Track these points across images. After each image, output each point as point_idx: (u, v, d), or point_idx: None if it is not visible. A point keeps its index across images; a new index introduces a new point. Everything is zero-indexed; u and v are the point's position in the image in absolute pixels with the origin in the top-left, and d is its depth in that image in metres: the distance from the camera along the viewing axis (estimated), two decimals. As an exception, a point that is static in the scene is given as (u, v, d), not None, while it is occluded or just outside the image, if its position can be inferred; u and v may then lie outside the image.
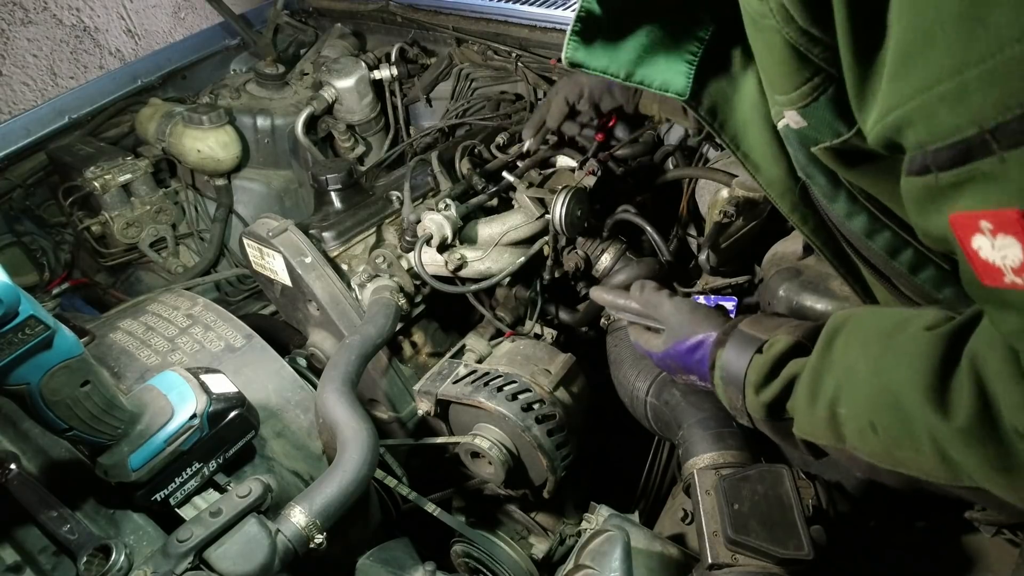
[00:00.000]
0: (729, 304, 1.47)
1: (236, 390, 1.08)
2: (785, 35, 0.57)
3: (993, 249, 0.47)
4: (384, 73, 2.28)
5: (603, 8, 0.72)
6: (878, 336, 0.70)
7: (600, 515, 1.34)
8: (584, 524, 1.33)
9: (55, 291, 2.15)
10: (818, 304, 1.40)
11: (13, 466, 0.96)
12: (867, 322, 0.74)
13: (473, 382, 1.27)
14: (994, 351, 0.56)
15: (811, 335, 0.84)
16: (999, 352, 0.55)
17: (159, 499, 0.99)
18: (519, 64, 2.06)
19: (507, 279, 1.52)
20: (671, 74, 0.78)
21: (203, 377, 1.05)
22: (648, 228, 1.54)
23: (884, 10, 0.48)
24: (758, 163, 0.87)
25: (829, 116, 0.62)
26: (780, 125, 0.71)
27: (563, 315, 1.72)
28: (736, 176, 1.46)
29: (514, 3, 2.13)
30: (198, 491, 1.04)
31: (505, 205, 1.63)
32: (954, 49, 0.43)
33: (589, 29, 0.75)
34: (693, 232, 1.74)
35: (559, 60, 2.00)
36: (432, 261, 1.49)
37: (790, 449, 0.90)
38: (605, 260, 1.59)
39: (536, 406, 1.24)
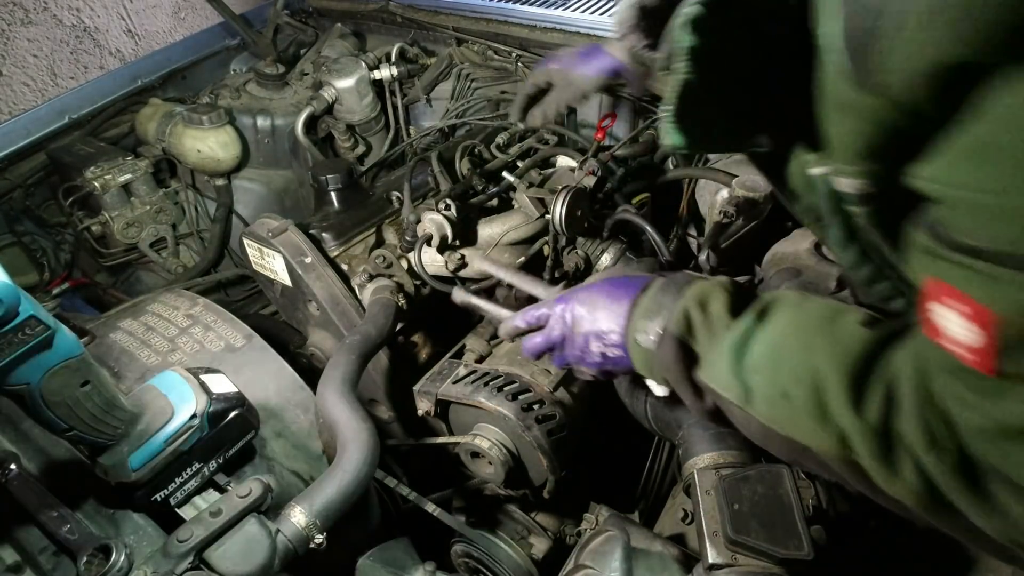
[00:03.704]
0: (729, 304, 1.46)
1: (236, 390, 1.08)
2: (882, 117, 0.58)
3: (956, 326, 0.55)
4: (384, 73, 2.28)
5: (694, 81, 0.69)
6: (816, 320, 0.76)
7: (600, 515, 1.34)
8: (584, 524, 1.33)
9: (55, 291, 2.15)
10: (818, 304, 1.40)
11: (13, 466, 0.96)
12: (805, 306, 0.79)
13: (473, 382, 1.27)
14: (906, 374, 0.65)
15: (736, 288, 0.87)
16: (911, 374, 0.64)
17: (159, 499, 0.98)
18: (519, 64, 2.07)
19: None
20: (749, 136, 0.81)
21: (203, 377, 1.05)
22: (648, 228, 1.54)
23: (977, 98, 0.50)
24: (796, 194, 0.90)
25: (887, 179, 0.63)
26: (816, 172, 0.74)
27: (563, 315, 1.72)
28: (736, 176, 1.46)
29: (514, 3, 2.13)
30: (198, 491, 1.03)
31: (505, 205, 1.63)
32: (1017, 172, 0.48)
33: (683, 104, 0.71)
34: (693, 232, 1.74)
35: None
36: (432, 261, 1.49)
37: (676, 378, 0.87)
38: (605, 260, 1.59)
39: (536, 406, 1.23)
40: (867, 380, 0.68)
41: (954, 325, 0.55)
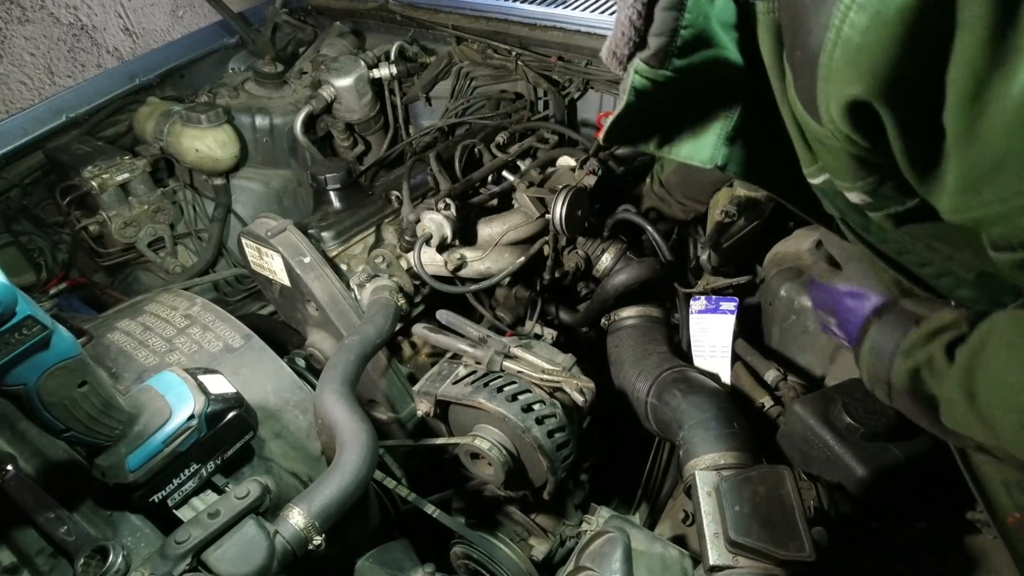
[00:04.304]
0: (730, 304, 1.46)
1: (234, 391, 1.07)
2: (849, 150, 0.67)
3: None
4: (383, 72, 2.27)
5: (639, 103, 0.82)
6: None
7: (600, 516, 1.34)
8: (584, 525, 1.33)
9: (52, 291, 2.14)
10: (819, 304, 1.40)
11: (10, 467, 0.95)
12: (1017, 326, 0.80)
13: (473, 383, 1.26)
14: None
15: (973, 322, 0.88)
16: None
17: (157, 500, 0.98)
18: (519, 63, 2.06)
19: (507, 279, 1.52)
20: (697, 147, 0.89)
21: (201, 378, 1.05)
22: (649, 228, 1.53)
23: (938, 147, 0.59)
24: (795, 205, 0.98)
25: (894, 195, 0.71)
26: (816, 182, 0.82)
27: (563, 315, 1.72)
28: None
29: (514, 1, 2.13)
30: (196, 492, 1.03)
31: (505, 205, 1.62)
32: None
33: (624, 119, 0.85)
34: (694, 232, 1.74)
35: (560, 58, 2.00)
36: (432, 261, 1.48)
37: (927, 425, 0.94)
38: (605, 260, 1.58)
39: (536, 407, 1.23)
40: None
41: None
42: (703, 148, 0.89)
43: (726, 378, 1.48)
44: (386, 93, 2.33)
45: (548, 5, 2.08)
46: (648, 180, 1.69)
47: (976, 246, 0.67)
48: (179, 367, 1.08)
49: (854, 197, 0.75)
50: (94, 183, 2.07)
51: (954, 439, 0.91)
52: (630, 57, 0.79)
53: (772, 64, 0.73)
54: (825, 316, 1.16)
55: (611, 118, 0.85)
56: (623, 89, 0.81)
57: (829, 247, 1.22)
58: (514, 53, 2.06)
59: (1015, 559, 0.96)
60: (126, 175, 2.14)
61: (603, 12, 2.01)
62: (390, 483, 1.28)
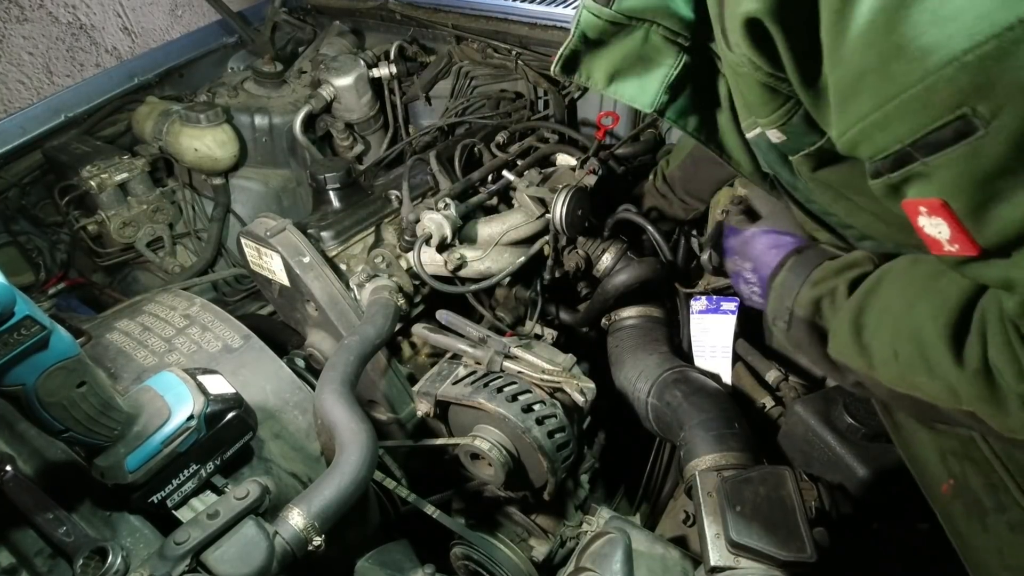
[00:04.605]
0: (731, 304, 1.46)
1: (234, 391, 1.07)
2: (757, 78, 0.73)
3: (931, 227, 0.64)
4: (383, 71, 2.27)
5: (586, 39, 0.90)
6: (921, 279, 0.82)
7: (601, 517, 1.34)
8: (585, 526, 1.32)
9: (51, 291, 2.13)
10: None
11: (8, 468, 0.95)
12: (913, 269, 0.86)
13: (473, 383, 1.26)
14: (992, 312, 0.71)
15: (882, 263, 0.94)
16: (995, 313, 0.70)
17: (156, 501, 0.97)
18: (519, 62, 2.06)
19: (507, 279, 1.51)
20: (639, 91, 0.94)
21: (200, 378, 1.04)
22: (649, 228, 1.53)
23: (818, 64, 0.65)
24: (739, 161, 1.04)
25: (803, 130, 0.77)
26: (750, 135, 0.88)
27: (564, 315, 1.72)
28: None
29: (514, 1, 2.12)
30: (195, 493, 1.03)
31: (505, 204, 1.62)
32: (875, 91, 0.59)
33: (576, 52, 0.92)
34: (695, 231, 1.73)
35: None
36: (431, 261, 1.48)
37: (813, 359, 1.01)
38: (606, 260, 1.58)
39: (536, 407, 1.23)
40: (965, 328, 0.74)
41: (931, 228, 0.65)
42: (646, 92, 0.94)
43: (727, 378, 1.48)
44: (386, 92, 2.33)
45: (548, 4, 2.08)
46: (651, 177, 1.68)
47: (879, 205, 0.72)
48: (178, 367, 1.08)
49: (773, 136, 0.81)
50: (93, 183, 2.06)
51: (837, 374, 0.97)
52: None
53: (715, 13, 0.77)
54: (740, 263, 1.21)
55: (561, 48, 0.92)
56: (573, 23, 0.88)
57: (752, 200, 1.27)
58: (514, 52, 2.06)
59: (949, 530, 0.97)
60: (125, 175, 2.13)
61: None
62: (390, 484, 1.28)
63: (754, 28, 0.66)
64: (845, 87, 0.63)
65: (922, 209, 0.64)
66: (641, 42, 0.88)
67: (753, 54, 0.69)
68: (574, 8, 2.05)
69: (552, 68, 0.95)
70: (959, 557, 0.98)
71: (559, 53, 0.93)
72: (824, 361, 0.97)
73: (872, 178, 0.68)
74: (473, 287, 1.46)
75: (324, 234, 1.48)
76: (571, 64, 0.94)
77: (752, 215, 1.25)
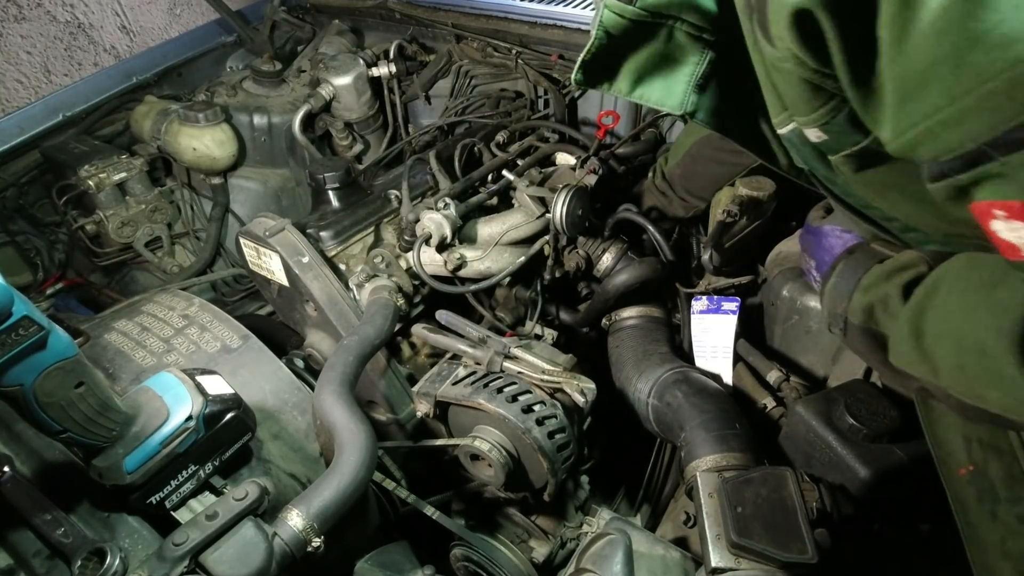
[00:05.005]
0: (732, 304, 1.45)
1: (232, 392, 1.07)
2: (800, 74, 0.68)
3: (1009, 231, 0.59)
4: (382, 70, 2.27)
5: (609, 41, 0.84)
6: (979, 286, 0.79)
7: (601, 518, 1.33)
8: (585, 527, 1.32)
9: (49, 291, 2.13)
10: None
11: (6, 468, 0.95)
12: (970, 274, 0.82)
13: (473, 383, 1.26)
14: None
15: (935, 264, 0.90)
16: None
17: (154, 502, 0.97)
18: (519, 61, 2.05)
19: (507, 279, 1.51)
20: (665, 94, 0.90)
21: (199, 378, 1.04)
22: (650, 227, 1.53)
23: (874, 59, 0.60)
24: (772, 156, 1.00)
25: (847, 129, 0.72)
26: (783, 131, 0.83)
27: (564, 315, 1.71)
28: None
29: (514, -1, 2.12)
30: (194, 494, 1.02)
31: (505, 204, 1.61)
32: (948, 85, 0.55)
33: (597, 56, 0.86)
34: (696, 231, 1.73)
35: (560, 56, 1.99)
36: (431, 261, 1.47)
37: (876, 365, 0.98)
38: (606, 260, 1.58)
39: (537, 408, 1.22)
40: None
41: (1008, 233, 0.60)
42: (673, 94, 0.90)
43: (728, 379, 1.47)
44: (385, 92, 2.32)
45: (549, 3, 2.07)
46: (651, 174, 1.68)
47: (931, 201, 0.68)
48: (177, 368, 1.07)
49: (812, 134, 0.76)
50: (91, 182, 2.06)
51: (900, 381, 0.93)
52: None
53: (745, 4, 0.73)
54: (807, 259, 1.17)
55: (582, 54, 0.86)
56: (593, 25, 0.83)
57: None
58: (514, 51, 2.06)
59: (956, 509, 0.97)
60: (123, 174, 2.13)
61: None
62: (389, 484, 1.27)
63: (802, 21, 0.62)
64: (908, 82, 0.58)
65: (998, 212, 0.59)
66: (664, 41, 0.84)
67: (799, 49, 0.65)
68: (577, 7, 2.05)
69: (572, 76, 0.91)
70: (959, 556, 0.97)
71: (579, 60, 0.87)
72: (885, 368, 0.94)
73: (932, 180, 0.63)
74: (473, 287, 1.46)
75: (323, 234, 1.47)
76: (592, 71, 0.89)
77: (828, 210, 1.20)
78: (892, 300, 0.91)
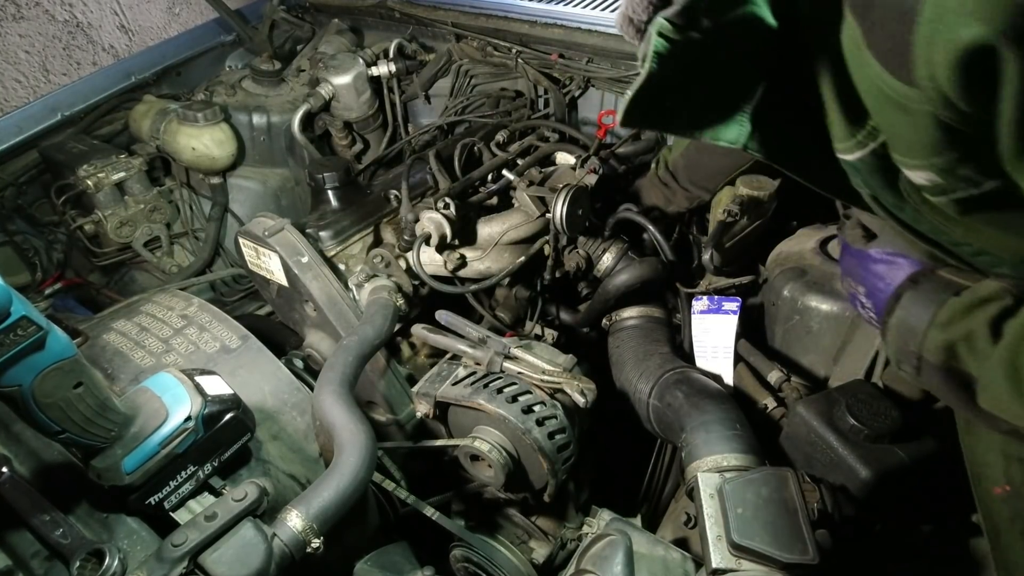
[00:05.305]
0: (733, 305, 1.45)
1: (231, 392, 1.07)
2: (942, 116, 0.59)
3: None
4: (382, 69, 2.26)
5: (659, 78, 0.73)
6: None
7: (602, 519, 1.33)
8: (585, 528, 1.32)
9: (47, 291, 2.12)
10: (823, 304, 1.39)
11: (5, 469, 0.95)
12: None
13: (473, 383, 1.25)
14: None
15: (1022, 295, 0.82)
16: None
17: (153, 503, 0.97)
18: (519, 60, 2.05)
19: (507, 279, 1.50)
20: (723, 126, 0.82)
21: (198, 379, 1.04)
22: (650, 227, 1.52)
23: None
24: (826, 182, 0.91)
25: (972, 175, 0.65)
26: (850, 157, 0.76)
27: (564, 316, 1.71)
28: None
29: (514, -2, 2.12)
30: (193, 495, 1.02)
31: (505, 204, 1.61)
32: None
33: (646, 95, 0.75)
34: (696, 231, 1.73)
35: (560, 55, 1.99)
36: (431, 261, 1.47)
37: (957, 405, 0.89)
38: (607, 260, 1.57)
39: (537, 408, 1.22)
40: None
41: None
42: (730, 127, 0.82)
43: (728, 379, 1.47)
44: (385, 91, 2.32)
45: (549, 2, 2.07)
46: (653, 166, 1.65)
47: None
48: (176, 368, 1.07)
49: (919, 177, 0.68)
50: (89, 182, 2.05)
51: (986, 421, 0.86)
52: (648, 21, 0.70)
53: (820, 18, 0.66)
54: (852, 284, 1.08)
55: (629, 95, 0.75)
56: (642, 57, 0.71)
57: (861, 215, 1.09)
58: (514, 50, 2.05)
59: (987, 526, 0.94)
60: (122, 174, 2.13)
61: (604, 9, 2.00)
62: (389, 485, 1.27)
63: (974, 59, 0.53)
64: None
65: None
66: (722, 66, 0.75)
67: (954, 90, 0.56)
68: (577, 6, 2.05)
69: (617, 120, 0.82)
70: (964, 558, 0.97)
71: (627, 100, 0.75)
72: (970, 409, 0.85)
73: None
74: (473, 287, 1.46)
75: (323, 234, 1.47)
76: (641, 110, 0.76)
77: (867, 230, 1.10)
78: (978, 338, 0.81)
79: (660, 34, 0.68)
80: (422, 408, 1.30)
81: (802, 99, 0.77)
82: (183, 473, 0.99)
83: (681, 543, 1.34)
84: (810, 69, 0.73)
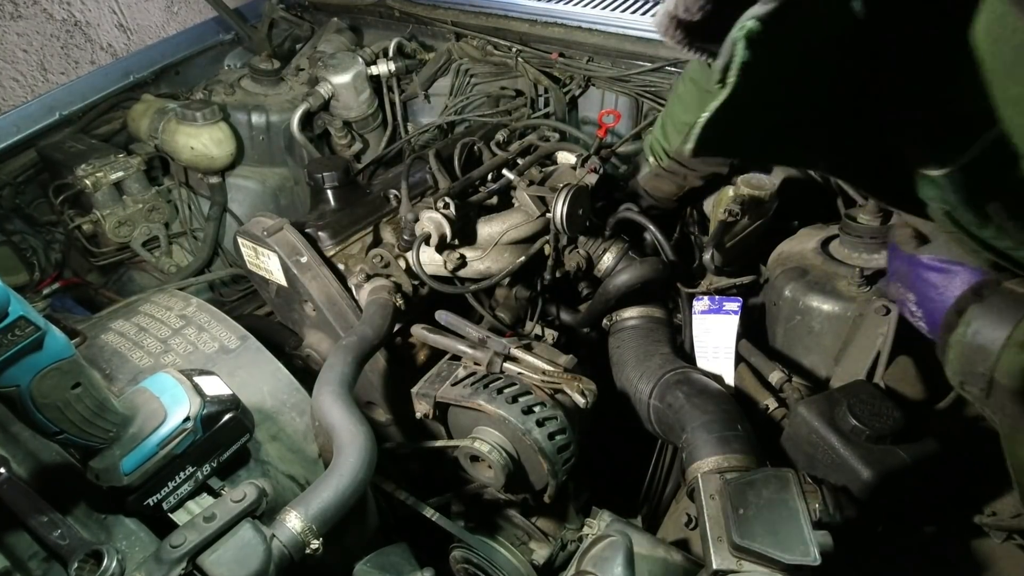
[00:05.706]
0: (734, 305, 1.45)
1: (230, 392, 1.06)
2: None
3: None
4: (382, 68, 2.26)
5: (745, 84, 0.59)
6: None
7: (602, 520, 1.32)
8: (586, 529, 1.31)
9: (46, 291, 2.12)
10: (824, 305, 1.39)
11: (3, 470, 0.95)
12: None
13: (472, 384, 1.25)
14: None
15: None
16: None
17: (152, 504, 0.97)
18: (519, 59, 2.05)
19: (507, 279, 1.50)
20: (798, 145, 0.71)
21: (197, 379, 1.04)
22: (651, 227, 1.52)
23: None
24: (894, 197, 0.82)
25: None
26: (936, 173, 0.67)
27: (564, 316, 1.71)
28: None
29: (513, -3, 2.11)
30: (191, 496, 1.02)
31: (505, 203, 1.61)
32: None
33: (723, 117, 0.61)
34: (697, 231, 1.73)
35: (560, 54, 1.99)
36: (431, 261, 1.47)
37: None
38: (607, 260, 1.57)
39: (537, 409, 1.21)
40: None
41: None
42: (802, 145, 0.70)
43: (729, 380, 1.47)
44: (384, 90, 2.32)
45: (549, 1, 2.07)
46: (652, 160, 1.60)
47: None
48: (174, 368, 1.07)
49: None
50: (88, 181, 2.05)
51: None
52: (703, 23, 0.58)
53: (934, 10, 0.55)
54: (902, 291, 1.02)
55: (706, 116, 0.60)
56: (722, 69, 0.56)
57: (910, 217, 1.03)
58: (514, 50, 2.05)
59: None
60: (120, 173, 2.12)
61: (604, 8, 1.99)
62: (388, 486, 1.27)
63: None
64: None
65: None
66: (794, 70, 0.62)
67: None
68: (577, 5, 2.04)
69: (685, 148, 0.62)
70: (966, 559, 0.96)
71: (702, 122, 0.59)
72: None
73: None
74: (473, 287, 1.45)
75: (322, 234, 1.47)
76: (718, 134, 0.61)
77: (919, 233, 1.04)
78: None
79: (748, 35, 0.54)
80: (422, 408, 1.30)
81: (876, 109, 0.66)
82: (182, 474, 0.99)
83: (682, 544, 1.34)
84: (900, 75, 0.62)
